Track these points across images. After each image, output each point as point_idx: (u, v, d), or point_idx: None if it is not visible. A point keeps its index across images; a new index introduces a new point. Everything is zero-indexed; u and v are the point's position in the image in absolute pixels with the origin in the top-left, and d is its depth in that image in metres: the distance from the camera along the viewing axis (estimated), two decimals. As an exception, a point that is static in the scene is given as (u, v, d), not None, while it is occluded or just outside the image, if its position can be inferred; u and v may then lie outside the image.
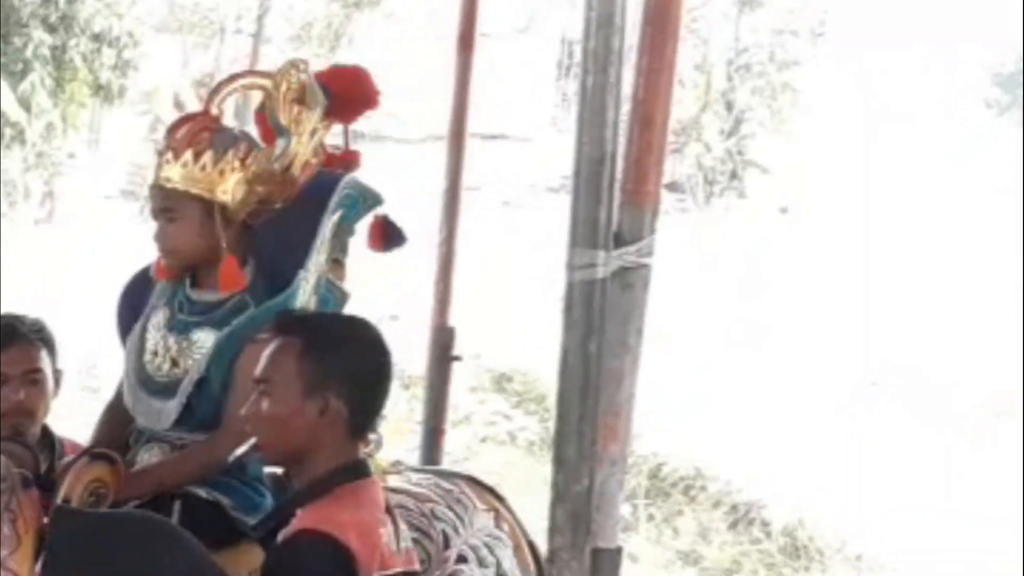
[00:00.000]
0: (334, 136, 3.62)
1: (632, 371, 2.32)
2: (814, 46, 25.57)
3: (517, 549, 3.29)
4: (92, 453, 3.02)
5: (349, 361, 2.58)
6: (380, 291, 14.59)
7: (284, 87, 3.25)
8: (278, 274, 3.25)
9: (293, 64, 3.31)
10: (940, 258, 21.36)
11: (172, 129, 3.25)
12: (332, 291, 3.42)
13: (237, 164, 3.17)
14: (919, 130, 27.58)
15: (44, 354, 3.26)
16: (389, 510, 2.68)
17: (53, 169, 17.89)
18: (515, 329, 12.61)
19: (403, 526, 2.73)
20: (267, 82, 3.29)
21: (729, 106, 24.68)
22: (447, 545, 3.18)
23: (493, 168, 20.22)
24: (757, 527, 9.71)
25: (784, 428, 12.21)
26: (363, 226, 3.48)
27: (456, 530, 3.21)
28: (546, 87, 25.05)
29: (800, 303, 17.64)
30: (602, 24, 2.26)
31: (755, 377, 14.04)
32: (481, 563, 3.19)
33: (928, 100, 29.01)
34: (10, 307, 3.58)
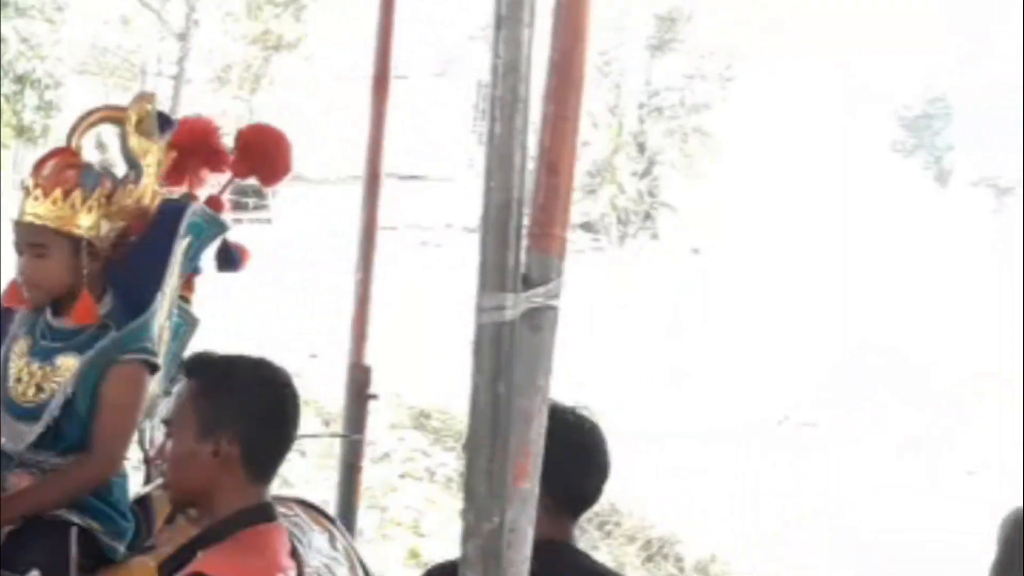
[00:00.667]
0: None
1: (541, 411, 2.36)
2: (723, 89, 25.98)
3: (351, 568, 3.35)
4: None
5: (243, 403, 2.58)
6: (300, 330, 14.56)
7: (135, 120, 3.34)
8: (136, 298, 3.32)
9: (143, 97, 3.41)
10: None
11: (37, 166, 3.30)
12: (183, 316, 3.51)
13: (104, 201, 3.23)
14: (827, 171, 28.06)
15: None
16: (295, 554, 2.68)
17: (-16, 206, 17.68)
18: (433, 367, 12.62)
19: (310, 569, 2.74)
20: (121, 115, 3.37)
21: (641, 148, 24.99)
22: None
23: (411, 208, 20.24)
24: (671, 562, 9.81)
25: (698, 465, 12.35)
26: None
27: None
28: (463, 129, 25.19)
29: (713, 342, 17.84)
30: (508, 71, 2.32)
31: (668, 414, 14.18)
32: None
33: (835, 138, 29.54)
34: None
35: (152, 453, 3.44)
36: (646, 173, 25.07)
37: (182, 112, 21.99)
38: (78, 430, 3.23)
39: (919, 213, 28.05)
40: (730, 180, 25.60)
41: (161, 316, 3.37)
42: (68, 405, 3.23)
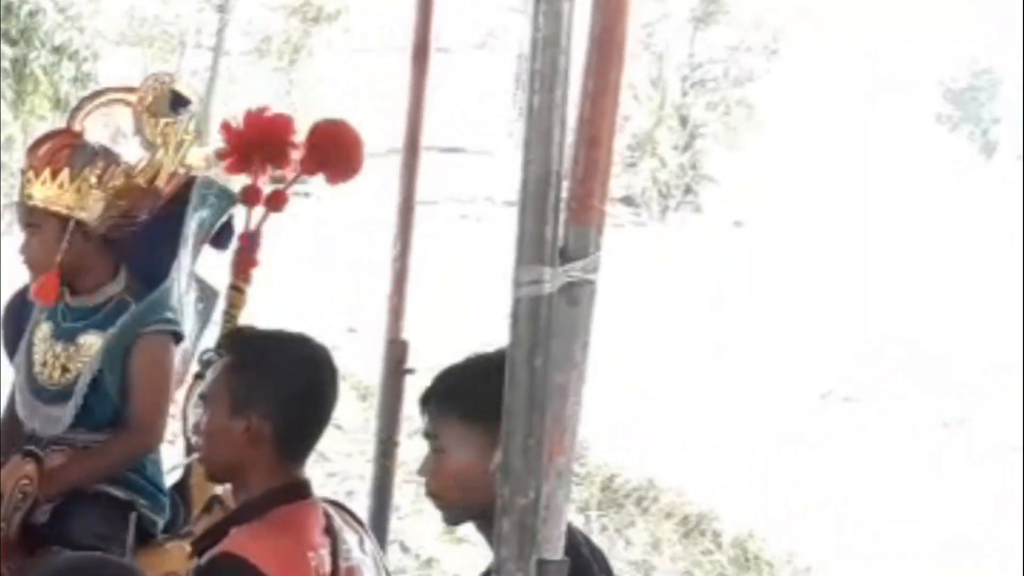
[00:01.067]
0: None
1: (578, 386, 2.36)
2: (768, 62, 25.76)
3: (378, 574, 3.34)
4: (23, 451, 3.08)
5: (276, 381, 2.56)
6: (339, 303, 14.61)
7: (148, 101, 3.33)
8: (154, 273, 3.33)
9: (155, 78, 3.40)
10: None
11: (34, 146, 3.34)
12: (203, 289, 3.52)
13: (94, 180, 3.24)
14: (873, 143, 27.85)
15: None
16: (329, 530, 2.66)
17: (12, 181, 17.80)
18: (472, 341, 12.62)
19: (348, 544, 2.71)
20: (131, 97, 3.36)
21: (683, 121, 24.82)
22: None
23: (451, 181, 20.24)
24: (708, 538, 9.79)
25: (736, 440, 12.32)
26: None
27: None
28: (504, 101, 25.12)
29: (756, 316, 17.77)
30: (548, 44, 2.30)
31: (709, 389, 14.13)
32: None
33: (880, 114, 29.29)
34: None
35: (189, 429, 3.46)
36: (688, 146, 24.92)
37: (221, 84, 22.08)
38: (108, 407, 3.25)
39: (964, 185, 27.80)
40: (773, 153, 25.44)
41: (179, 288, 3.38)
42: (95, 383, 3.24)
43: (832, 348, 16.48)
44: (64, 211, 3.22)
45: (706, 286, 19.04)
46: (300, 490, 2.60)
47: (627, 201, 24.02)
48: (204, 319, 3.58)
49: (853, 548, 10.01)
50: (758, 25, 25.55)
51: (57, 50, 16.72)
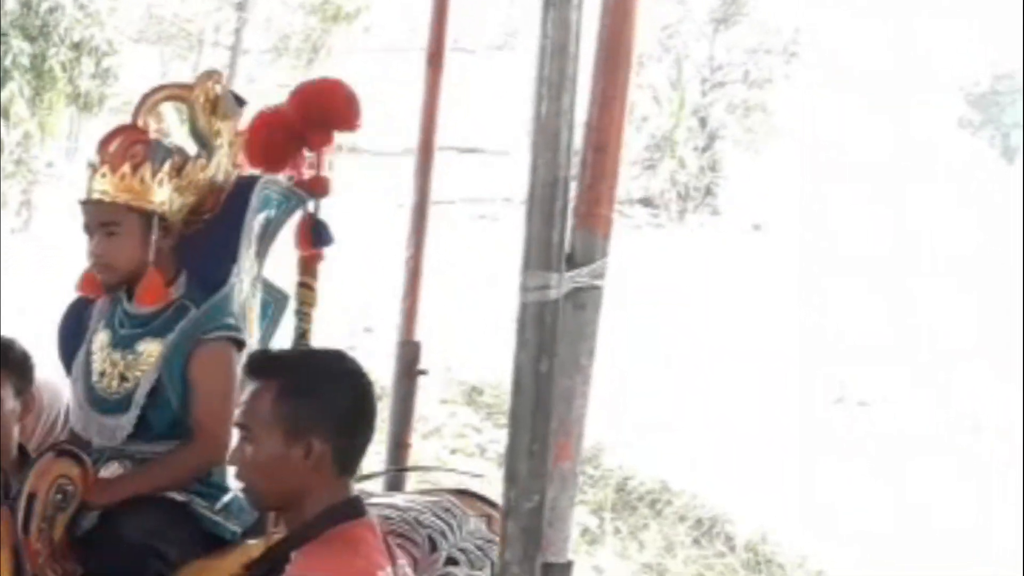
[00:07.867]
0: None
1: (584, 390, 2.37)
2: (788, 64, 25.68)
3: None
4: (58, 449, 3.02)
5: (328, 401, 2.52)
6: (356, 304, 14.64)
7: (202, 99, 3.30)
8: (212, 276, 3.26)
9: (209, 76, 3.36)
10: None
11: (104, 143, 3.26)
12: (270, 293, 3.46)
13: (174, 174, 3.19)
14: (893, 147, 27.76)
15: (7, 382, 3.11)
16: (387, 545, 2.60)
17: (31, 178, 17.83)
18: (487, 342, 12.64)
19: (402, 560, 2.66)
20: (188, 94, 3.33)
21: (703, 123, 24.75)
22: (434, 548, 3.17)
23: (469, 181, 20.27)
24: (721, 541, 9.81)
25: (751, 443, 12.30)
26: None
27: (444, 535, 3.18)
28: (523, 102, 25.12)
29: (773, 320, 17.74)
30: (556, 51, 2.31)
31: (725, 392, 14.12)
32: (473, 565, 3.17)
33: (901, 117, 29.18)
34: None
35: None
36: (707, 148, 24.86)
37: (239, 82, 22.08)
38: (166, 417, 3.15)
39: (986, 189, 27.69)
40: (792, 156, 25.39)
41: (241, 292, 3.31)
42: (154, 392, 3.16)
43: (848, 353, 16.44)
44: (147, 206, 3.12)
45: (724, 289, 19.02)
46: (357, 507, 2.54)
47: (646, 202, 24.00)
48: (273, 324, 3.51)
49: (866, 554, 9.99)
50: (777, 27, 25.48)
51: (76, 46, 16.75)
